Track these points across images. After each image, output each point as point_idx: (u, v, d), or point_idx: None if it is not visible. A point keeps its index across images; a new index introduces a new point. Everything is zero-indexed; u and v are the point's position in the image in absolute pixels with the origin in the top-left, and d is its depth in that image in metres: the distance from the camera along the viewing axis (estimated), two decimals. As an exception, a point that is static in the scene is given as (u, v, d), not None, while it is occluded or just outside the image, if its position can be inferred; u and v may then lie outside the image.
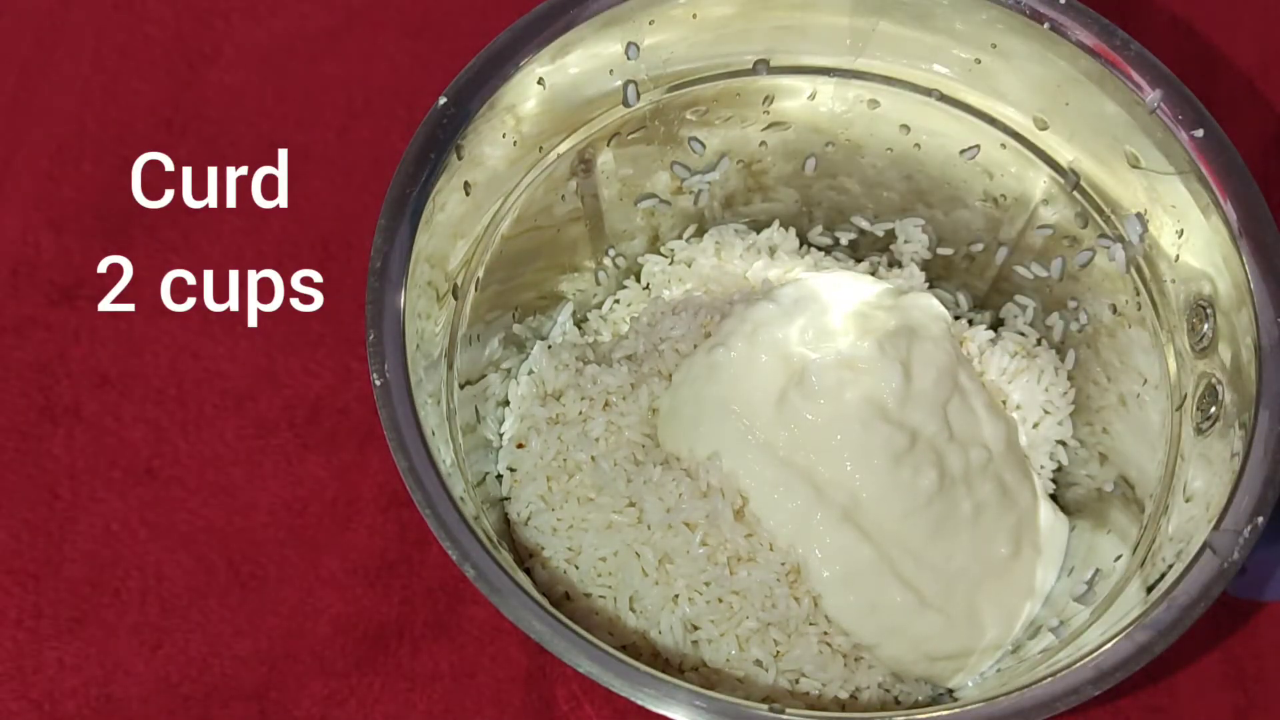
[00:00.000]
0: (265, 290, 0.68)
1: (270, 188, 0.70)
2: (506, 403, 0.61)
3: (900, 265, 0.65)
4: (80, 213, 0.69)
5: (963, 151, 0.60)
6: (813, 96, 0.60)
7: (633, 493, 0.56)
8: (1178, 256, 0.53)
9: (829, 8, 0.57)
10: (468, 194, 0.54)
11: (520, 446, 0.59)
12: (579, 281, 0.64)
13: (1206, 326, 0.52)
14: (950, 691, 0.58)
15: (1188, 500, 0.51)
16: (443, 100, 0.53)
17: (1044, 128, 0.57)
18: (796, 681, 0.55)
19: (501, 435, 0.60)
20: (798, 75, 0.59)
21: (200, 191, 0.70)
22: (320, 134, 0.72)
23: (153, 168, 0.70)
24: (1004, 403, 0.61)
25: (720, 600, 0.54)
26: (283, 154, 0.71)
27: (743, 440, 0.56)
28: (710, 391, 0.57)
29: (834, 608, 0.55)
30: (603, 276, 0.65)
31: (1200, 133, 0.51)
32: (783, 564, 0.55)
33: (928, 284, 0.65)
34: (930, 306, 0.60)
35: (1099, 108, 0.54)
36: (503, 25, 0.54)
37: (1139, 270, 0.56)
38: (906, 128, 0.60)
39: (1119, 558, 0.54)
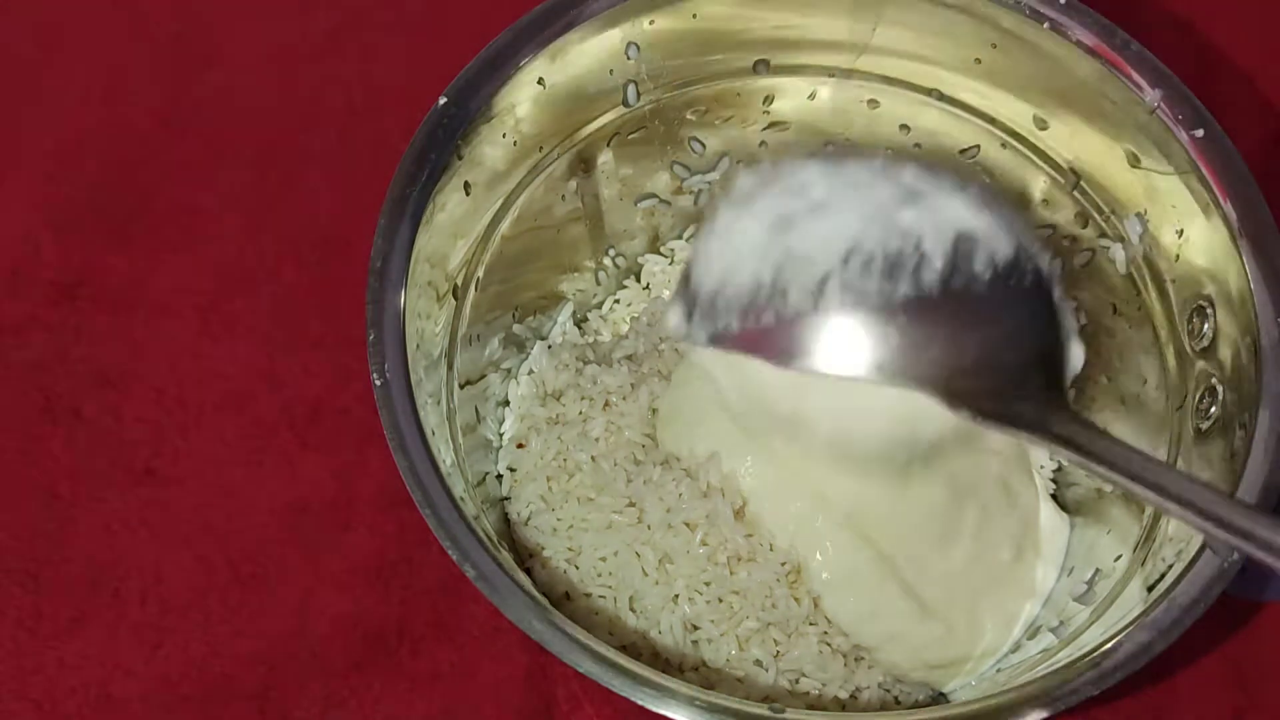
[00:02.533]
0: (265, 291, 0.68)
1: (270, 187, 0.70)
2: (506, 403, 0.61)
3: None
4: (80, 213, 0.69)
5: (963, 151, 0.60)
6: (813, 96, 0.60)
7: (633, 493, 0.56)
8: (1178, 256, 0.53)
9: (829, 8, 0.57)
10: (468, 194, 0.54)
11: (520, 446, 0.59)
12: (579, 281, 0.64)
13: (1206, 326, 0.52)
14: (943, 695, 0.58)
15: (1188, 500, 0.50)
16: (443, 100, 0.53)
17: (1044, 128, 0.57)
18: (796, 681, 0.54)
19: (501, 435, 0.60)
20: (798, 75, 0.59)
21: (200, 191, 0.70)
22: (320, 134, 0.72)
23: (153, 168, 0.71)
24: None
25: (720, 600, 0.54)
26: (283, 154, 0.71)
27: (743, 441, 0.55)
28: (710, 391, 0.57)
29: (834, 610, 0.55)
30: (603, 276, 0.65)
31: (1200, 133, 0.51)
32: (783, 564, 0.54)
33: (928, 284, 0.65)
34: None
35: (1099, 108, 0.54)
36: (503, 25, 0.54)
37: (1139, 270, 0.56)
38: (906, 128, 0.60)
39: (1119, 558, 0.54)
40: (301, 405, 0.65)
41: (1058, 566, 0.58)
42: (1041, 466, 0.61)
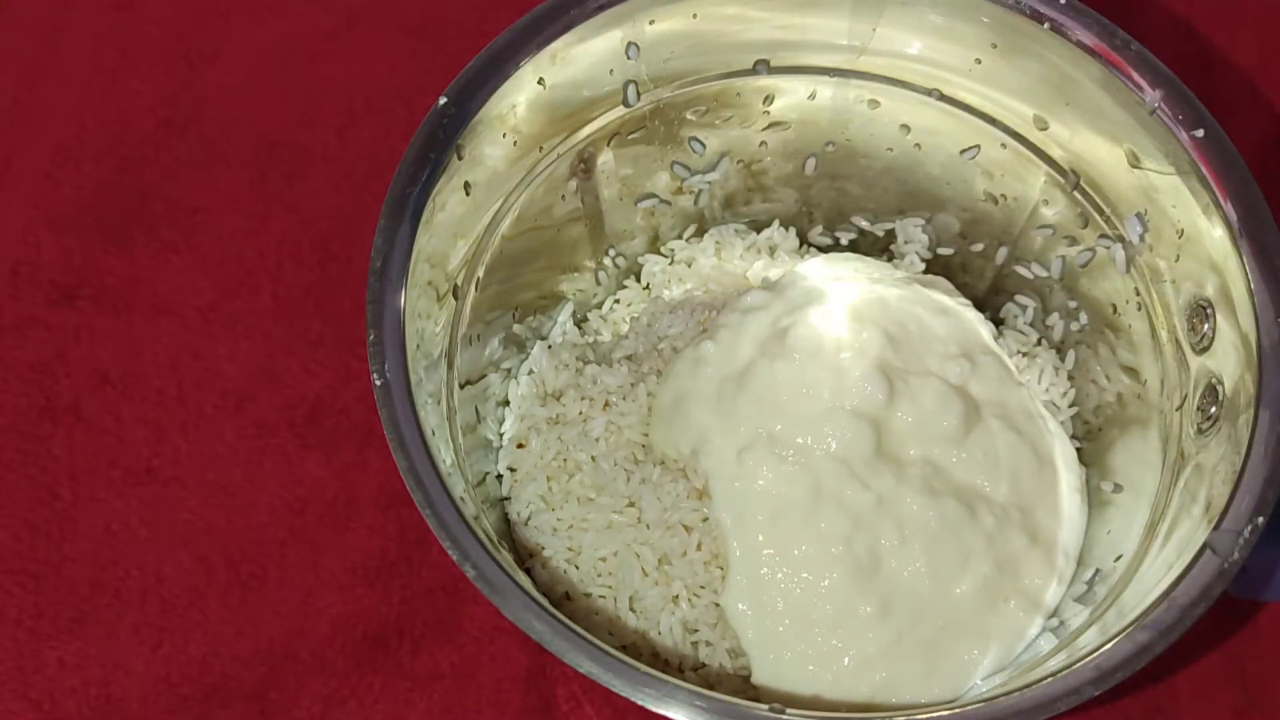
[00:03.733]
0: (265, 291, 0.68)
1: (270, 187, 0.70)
2: (506, 403, 0.61)
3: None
4: (80, 213, 0.69)
5: (963, 151, 0.60)
6: (813, 96, 0.60)
7: (632, 492, 0.56)
8: (1178, 256, 0.53)
9: (829, 8, 0.57)
10: (468, 194, 0.54)
11: (520, 446, 0.59)
12: (579, 281, 0.64)
13: (1206, 326, 0.52)
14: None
15: (1188, 500, 0.51)
16: (443, 100, 0.53)
17: (1044, 128, 0.57)
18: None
19: (501, 435, 0.60)
20: (798, 75, 0.59)
21: (200, 191, 0.70)
22: (320, 134, 0.72)
23: (153, 168, 0.71)
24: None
25: (717, 605, 0.54)
26: (283, 154, 0.71)
27: (720, 432, 0.55)
28: (690, 386, 0.57)
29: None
30: (603, 276, 0.65)
31: (1200, 133, 0.51)
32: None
33: (928, 284, 0.65)
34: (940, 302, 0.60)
35: (1099, 108, 0.54)
36: (503, 25, 0.54)
37: (1139, 270, 0.56)
38: (906, 128, 0.60)
39: (1119, 558, 0.54)
40: (301, 405, 0.65)
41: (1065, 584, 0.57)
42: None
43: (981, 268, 0.64)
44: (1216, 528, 0.47)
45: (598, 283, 0.65)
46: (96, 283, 0.68)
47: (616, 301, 0.66)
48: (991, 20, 0.55)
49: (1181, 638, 0.45)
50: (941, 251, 0.64)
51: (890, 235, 0.65)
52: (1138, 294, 0.56)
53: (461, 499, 0.48)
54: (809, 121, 0.61)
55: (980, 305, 0.65)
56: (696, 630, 0.55)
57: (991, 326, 0.61)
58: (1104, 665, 0.45)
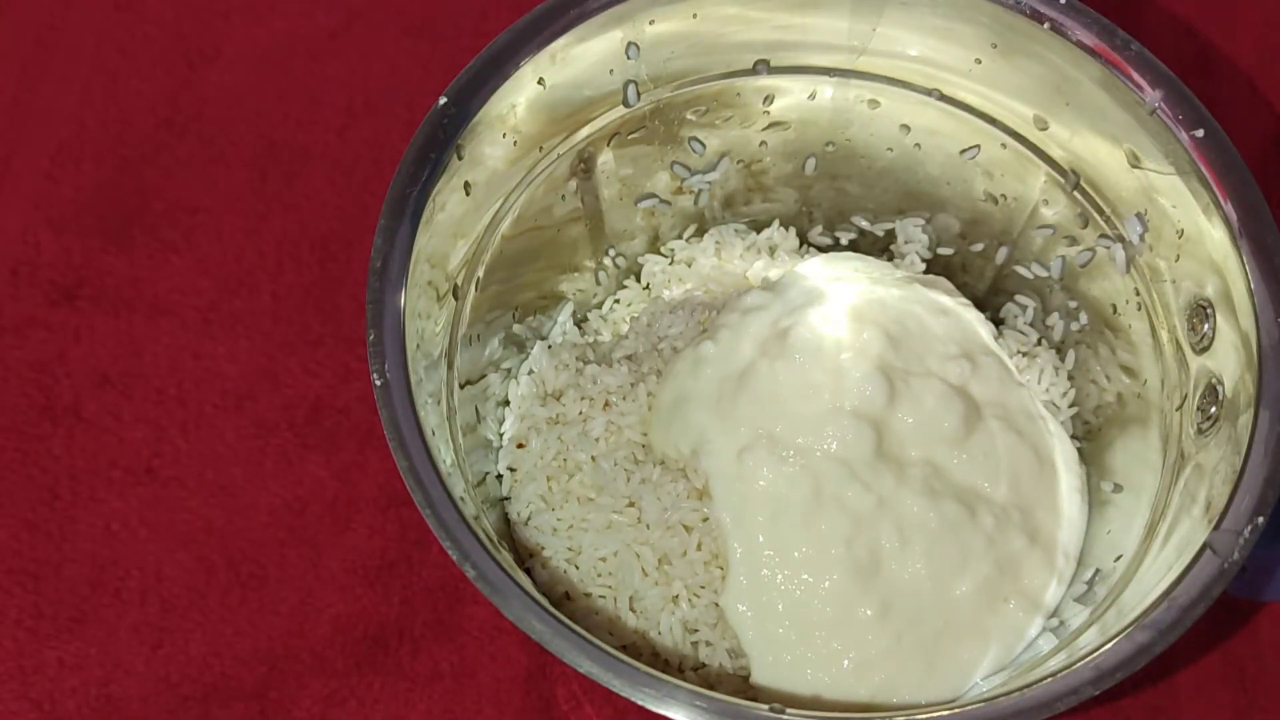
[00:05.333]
0: (265, 291, 0.68)
1: (270, 188, 0.70)
2: (506, 403, 0.61)
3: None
4: (80, 213, 0.69)
5: (963, 151, 0.60)
6: (813, 96, 0.60)
7: (632, 492, 0.56)
8: (1178, 256, 0.53)
9: (829, 8, 0.57)
10: (468, 194, 0.54)
11: (520, 446, 0.59)
12: (579, 281, 0.64)
13: (1206, 326, 0.52)
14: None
15: (1188, 500, 0.51)
16: (443, 100, 0.53)
17: (1044, 128, 0.57)
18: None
19: (501, 435, 0.60)
20: (798, 75, 0.59)
21: (200, 191, 0.70)
22: (320, 134, 0.72)
23: (153, 168, 0.71)
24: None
25: (717, 605, 0.54)
26: (283, 154, 0.71)
27: (720, 432, 0.55)
28: (690, 386, 0.57)
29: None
30: (603, 276, 0.65)
31: (1200, 133, 0.51)
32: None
33: (928, 284, 0.65)
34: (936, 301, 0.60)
35: (1099, 108, 0.54)
36: (503, 25, 0.54)
37: (1139, 270, 0.56)
38: (906, 128, 0.60)
39: (1119, 558, 0.54)
40: (301, 405, 0.65)
41: (1066, 581, 0.57)
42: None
43: (981, 268, 0.64)
44: (1216, 528, 0.47)
45: (598, 283, 0.65)
46: (96, 283, 0.68)
47: (616, 301, 0.66)
48: (991, 20, 0.55)
49: (1181, 638, 0.45)
50: (941, 251, 0.64)
51: (890, 235, 0.65)
52: (1138, 294, 0.56)
53: (461, 499, 0.48)
54: (809, 121, 0.61)
55: (980, 305, 0.65)
56: (696, 630, 0.55)
57: (991, 326, 0.61)
58: (1104, 665, 0.45)
